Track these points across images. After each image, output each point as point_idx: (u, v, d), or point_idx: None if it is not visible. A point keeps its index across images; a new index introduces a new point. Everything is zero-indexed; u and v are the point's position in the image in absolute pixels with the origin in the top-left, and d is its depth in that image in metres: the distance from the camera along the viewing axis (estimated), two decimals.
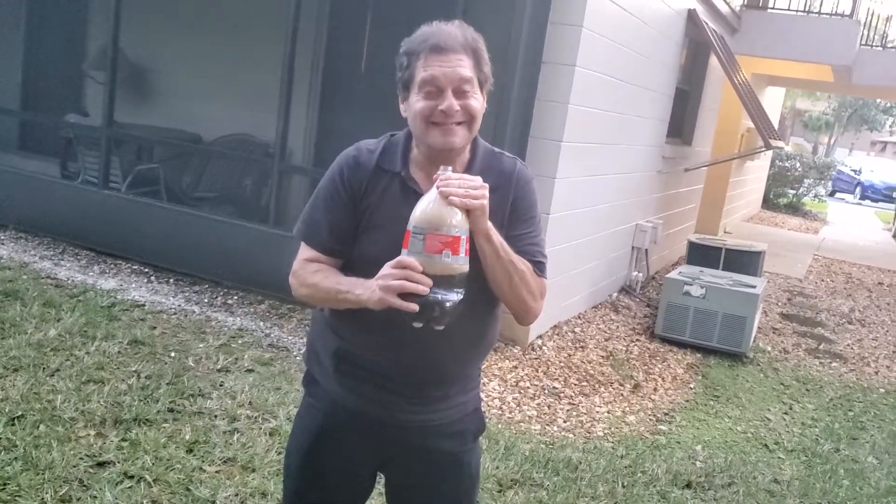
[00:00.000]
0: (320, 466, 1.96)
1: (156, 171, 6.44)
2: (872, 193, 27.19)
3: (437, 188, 1.64)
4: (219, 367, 4.44)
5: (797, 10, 10.38)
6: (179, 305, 5.38)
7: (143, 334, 4.71)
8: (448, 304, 1.64)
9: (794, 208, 18.66)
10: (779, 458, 4.48)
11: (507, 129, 4.91)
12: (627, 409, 4.88)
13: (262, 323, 5.28)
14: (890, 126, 42.60)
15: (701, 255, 7.45)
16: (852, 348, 7.00)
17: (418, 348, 1.78)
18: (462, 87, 1.73)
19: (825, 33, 9.79)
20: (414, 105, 1.76)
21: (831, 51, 9.71)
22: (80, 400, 3.76)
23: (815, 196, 20.07)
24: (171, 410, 3.84)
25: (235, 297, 5.67)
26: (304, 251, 1.88)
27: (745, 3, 10.04)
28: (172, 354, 4.51)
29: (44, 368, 4.05)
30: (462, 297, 1.66)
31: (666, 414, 4.91)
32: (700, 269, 6.73)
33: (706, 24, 7.97)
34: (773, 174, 18.34)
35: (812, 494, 4.03)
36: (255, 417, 3.89)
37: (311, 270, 1.83)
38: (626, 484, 3.82)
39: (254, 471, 3.38)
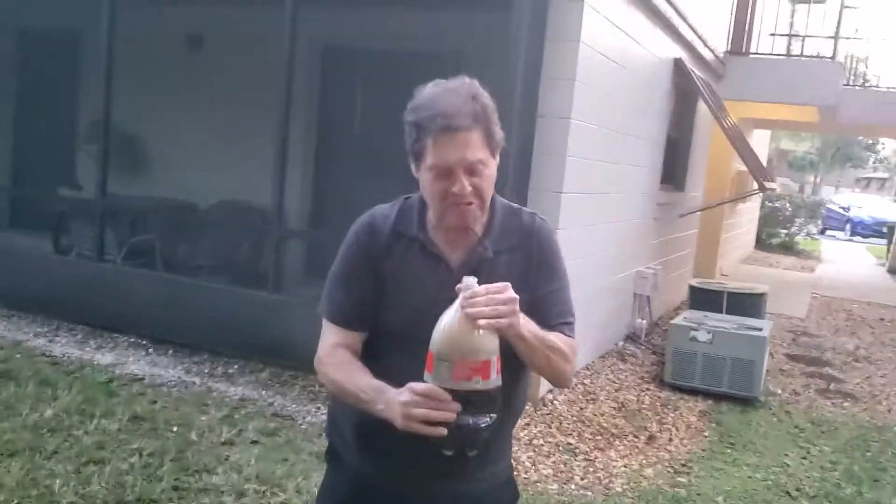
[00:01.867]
0: None
1: (151, 241, 6.38)
2: (862, 229, 27.36)
3: (463, 309, 1.52)
4: (223, 440, 4.31)
5: (779, 54, 10.54)
6: (179, 377, 5.26)
7: (143, 409, 4.59)
8: (480, 429, 1.54)
9: (788, 248, 18.70)
10: None
11: (508, 182, 4.88)
12: (644, 461, 4.76)
13: (264, 392, 5.15)
14: (873, 163, 43.15)
15: (703, 299, 7.39)
16: (862, 387, 6.90)
17: None
18: (474, 167, 1.68)
19: (809, 75, 9.90)
20: (425, 183, 1.72)
21: (816, 92, 9.81)
22: (79, 483, 3.63)
23: (808, 234, 20.13)
24: (175, 489, 3.71)
25: (236, 367, 5.54)
26: (329, 330, 1.81)
27: (729, 49, 10.17)
28: (175, 429, 4.38)
29: (41, 451, 3.92)
30: (495, 419, 1.56)
31: (683, 465, 4.78)
32: (704, 313, 6.66)
33: (693, 72, 8.06)
34: (764, 215, 18.43)
35: None
36: (264, 491, 3.76)
37: (335, 362, 1.75)
38: None
39: None
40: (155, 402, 4.78)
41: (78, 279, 6.24)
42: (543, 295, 1.78)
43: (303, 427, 4.64)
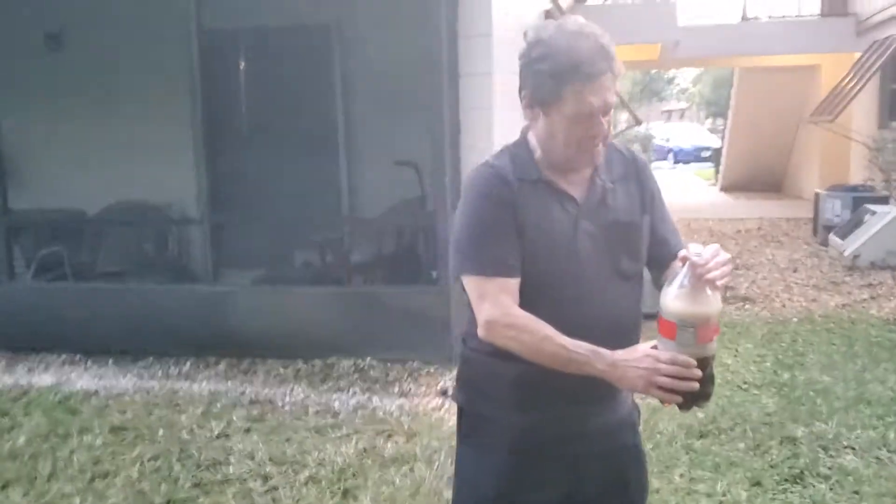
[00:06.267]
0: None
1: (59, 253, 5.99)
2: (683, 156, 29.59)
3: (699, 277, 1.56)
4: (216, 433, 4.23)
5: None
6: (135, 384, 5.06)
7: (118, 420, 4.41)
8: (712, 383, 1.64)
9: None
10: (754, 394, 4.85)
11: (445, 139, 5.05)
12: None
13: (230, 383, 5.05)
14: (675, 95, 46.45)
15: None
16: (753, 290, 7.66)
17: (605, 338, 1.72)
18: (609, 109, 1.73)
19: (648, 17, 10.63)
20: (558, 128, 1.73)
21: (658, 32, 10.57)
22: (97, 498, 3.50)
23: None
24: (196, 485, 3.64)
25: (188, 365, 5.36)
26: (489, 289, 1.73)
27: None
28: (161, 432, 4.24)
29: (36, 476, 3.72)
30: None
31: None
32: None
33: None
34: None
35: (801, 418, 4.40)
36: (285, 470, 3.76)
37: (520, 324, 1.70)
38: (653, 446, 4.02)
39: None
40: (124, 411, 4.59)
41: None
42: (659, 219, 1.89)
43: (286, 409, 4.61)
